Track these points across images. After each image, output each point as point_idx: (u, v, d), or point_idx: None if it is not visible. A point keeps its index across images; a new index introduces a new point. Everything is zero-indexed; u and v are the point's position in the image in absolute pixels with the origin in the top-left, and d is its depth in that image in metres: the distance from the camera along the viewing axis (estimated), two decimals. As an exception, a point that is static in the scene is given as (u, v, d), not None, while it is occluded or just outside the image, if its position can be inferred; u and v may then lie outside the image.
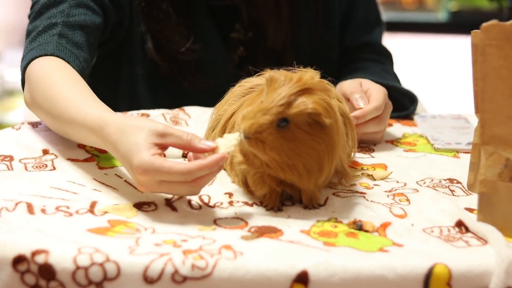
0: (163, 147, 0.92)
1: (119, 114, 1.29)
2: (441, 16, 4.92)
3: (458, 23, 4.60)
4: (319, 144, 0.92)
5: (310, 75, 0.94)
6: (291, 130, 0.91)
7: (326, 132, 0.92)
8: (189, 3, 1.39)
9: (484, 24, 0.89)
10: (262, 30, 1.40)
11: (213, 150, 0.91)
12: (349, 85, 1.24)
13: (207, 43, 1.41)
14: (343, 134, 0.97)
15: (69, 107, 1.04)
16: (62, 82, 1.10)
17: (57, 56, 1.16)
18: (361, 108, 1.17)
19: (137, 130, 0.91)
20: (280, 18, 1.40)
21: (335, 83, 1.07)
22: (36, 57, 1.16)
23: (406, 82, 1.57)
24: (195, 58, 1.39)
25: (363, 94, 1.21)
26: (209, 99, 1.34)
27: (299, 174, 0.92)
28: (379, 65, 1.48)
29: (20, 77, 1.21)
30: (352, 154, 1.08)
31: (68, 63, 1.16)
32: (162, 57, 1.38)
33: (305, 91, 0.92)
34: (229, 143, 0.92)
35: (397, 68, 1.56)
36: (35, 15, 1.26)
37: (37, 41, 1.19)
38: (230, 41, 1.42)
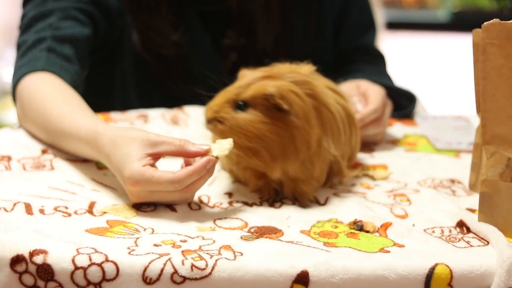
0: (156, 156, 0.92)
1: (118, 117, 1.29)
2: (442, 15, 4.92)
3: (460, 23, 4.60)
4: (282, 130, 0.93)
5: (289, 68, 0.98)
6: (250, 113, 0.93)
7: (290, 118, 0.93)
8: (180, 8, 1.39)
9: (485, 23, 0.88)
10: (253, 34, 1.40)
11: (206, 153, 0.91)
12: (346, 88, 1.24)
13: (198, 49, 1.40)
14: (317, 126, 0.95)
15: (63, 121, 1.05)
16: (54, 96, 1.10)
17: (47, 71, 1.16)
18: (359, 112, 1.17)
19: (129, 141, 0.92)
20: (270, 18, 1.39)
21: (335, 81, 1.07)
22: (27, 73, 1.16)
23: (407, 81, 1.57)
24: (184, 62, 1.38)
25: (361, 97, 1.21)
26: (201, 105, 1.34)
27: (264, 159, 0.94)
28: (374, 67, 1.48)
29: (11, 92, 1.21)
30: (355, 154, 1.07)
31: (60, 77, 1.16)
32: (148, 52, 1.37)
33: (268, 77, 0.95)
34: (222, 147, 0.92)
35: (398, 68, 1.56)
36: (24, 28, 1.26)
37: (27, 56, 1.20)
38: (222, 47, 1.41)
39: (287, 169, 0.95)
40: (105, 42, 1.36)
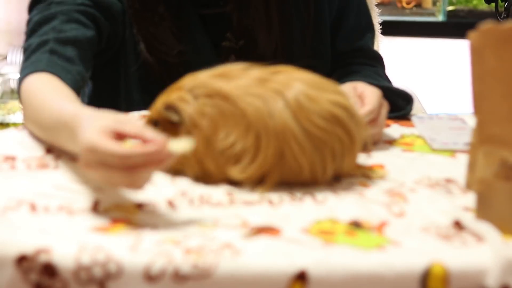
0: (118, 135, 0.91)
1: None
2: (438, 16, 4.93)
3: (455, 24, 4.60)
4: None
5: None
6: (161, 130, 0.98)
7: (183, 127, 0.99)
8: (181, 11, 1.40)
9: (481, 26, 0.90)
10: (253, 38, 1.41)
11: (161, 144, 0.88)
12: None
13: (199, 51, 1.41)
14: (210, 124, 0.98)
15: (52, 113, 1.06)
16: (47, 92, 1.12)
17: (48, 71, 1.18)
18: None
19: (99, 117, 0.93)
20: (270, 26, 1.40)
21: None
22: (28, 74, 1.18)
23: (406, 83, 1.58)
24: (186, 65, 1.40)
25: (357, 99, 1.22)
26: None
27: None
28: (371, 68, 1.49)
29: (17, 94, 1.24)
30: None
31: (60, 78, 1.18)
32: (154, 59, 1.39)
33: (172, 90, 1.02)
34: (180, 144, 0.91)
35: (396, 70, 1.57)
36: (29, 33, 1.29)
37: (30, 59, 1.22)
38: (221, 50, 1.42)
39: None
40: (110, 43, 1.38)
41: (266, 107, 0.98)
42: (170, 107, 1.00)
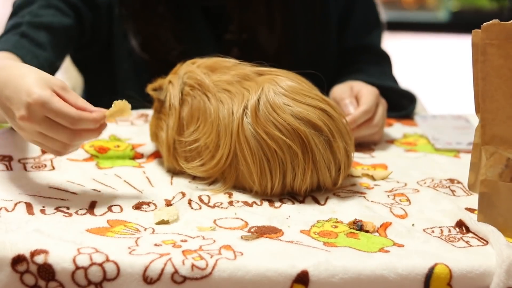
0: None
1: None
2: (441, 15, 4.93)
3: (459, 23, 4.61)
4: (164, 123, 1.05)
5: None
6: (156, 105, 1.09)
7: (164, 109, 1.05)
8: (182, 4, 1.39)
9: (485, 24, 0.89)
10: (254, 35, 1.40)
11: (103, 115, 0.89)
12: (339, 90, 1.24)
13: (200, 44, 1.40)
14: (185, 110, 1.02)
15: None
16: None
17: (13, 52, 1.16)
18: (350, 114, 1.18)
19: (47, 76, 0.90)
20: (272, 25, 1.39)
21: (329, 87, 1.06)
22: None
23: (407, 82, 1.57)
24: (187, 59, 1.39)
25: (352, 99, 1.21)
26: None
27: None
28: (377, 67, 1.47)
29: None
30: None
31: (23, 60, 1.15)
32: (150, 56, 1.38)
33: (171, 73, 1.08)
34: (164, 214, 0.90)
35: (398, 69, 1.56)
36: (10, 15, 1.29)
37: (1, 40, 1.21)
38: (223, 42, 1.42)
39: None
40: (96, 36, 1.37)
41: (230, 106, 0.98)
42: (158, 88, 1.07)
